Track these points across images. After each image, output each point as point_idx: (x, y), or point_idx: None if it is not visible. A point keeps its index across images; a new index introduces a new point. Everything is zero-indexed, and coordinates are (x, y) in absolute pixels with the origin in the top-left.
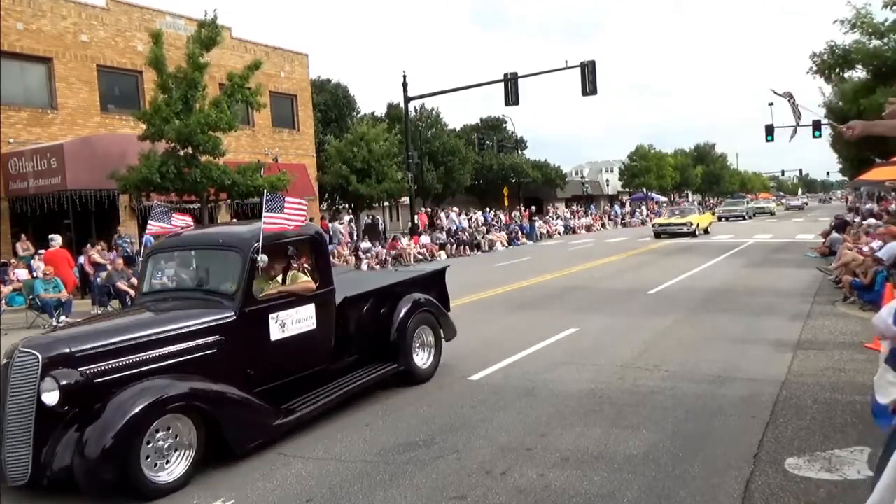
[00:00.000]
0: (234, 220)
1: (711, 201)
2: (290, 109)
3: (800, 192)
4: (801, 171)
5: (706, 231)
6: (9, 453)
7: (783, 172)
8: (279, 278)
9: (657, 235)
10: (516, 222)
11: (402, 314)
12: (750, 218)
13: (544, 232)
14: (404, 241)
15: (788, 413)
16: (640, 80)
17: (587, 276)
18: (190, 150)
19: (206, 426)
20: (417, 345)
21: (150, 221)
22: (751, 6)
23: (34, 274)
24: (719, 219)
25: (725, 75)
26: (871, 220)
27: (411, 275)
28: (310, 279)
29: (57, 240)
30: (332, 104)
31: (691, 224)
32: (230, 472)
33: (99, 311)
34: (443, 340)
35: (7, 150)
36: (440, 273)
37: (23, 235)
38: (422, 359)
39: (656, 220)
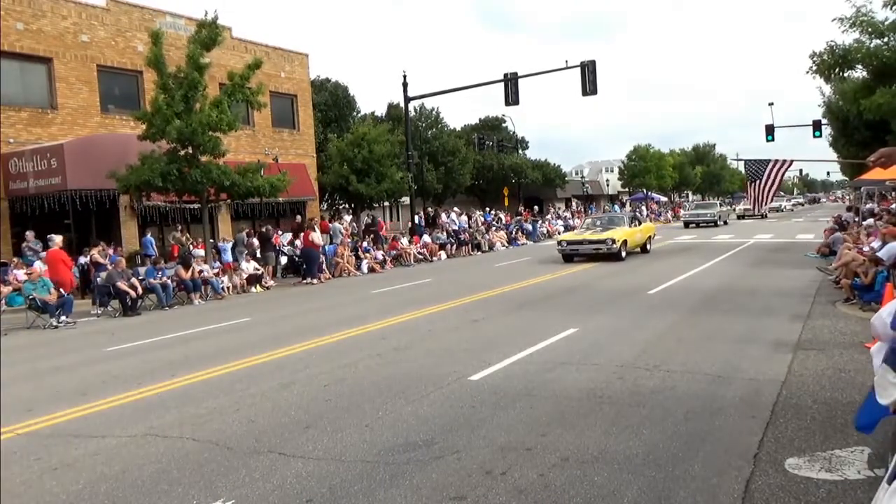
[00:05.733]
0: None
1: (711, 201)
2: (290, 109)
3: (795, 192)
4: (801, 171)
5: (644, 249)
6: None
7: None
8: None
9: (567, 258)
10: (515, 224)
11: None
12: (724, 223)
13: (544, 232)
14: (404, 240)
15: (788, 413)
16: (641, 80)
17: (587, 276)
18: (191, 150)
19: None
20: None
21: None
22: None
23: None
24: (686, 224)
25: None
26: (870, 221)
27: None
28: None
29: (55, 240)
30: (332, 104)
31: (612, 242)
32: (230, 472)
33: (99, 312)
34: None
35: (7, 150)
36: None
37: (28, 235)
38: None
39: (563, 237)
